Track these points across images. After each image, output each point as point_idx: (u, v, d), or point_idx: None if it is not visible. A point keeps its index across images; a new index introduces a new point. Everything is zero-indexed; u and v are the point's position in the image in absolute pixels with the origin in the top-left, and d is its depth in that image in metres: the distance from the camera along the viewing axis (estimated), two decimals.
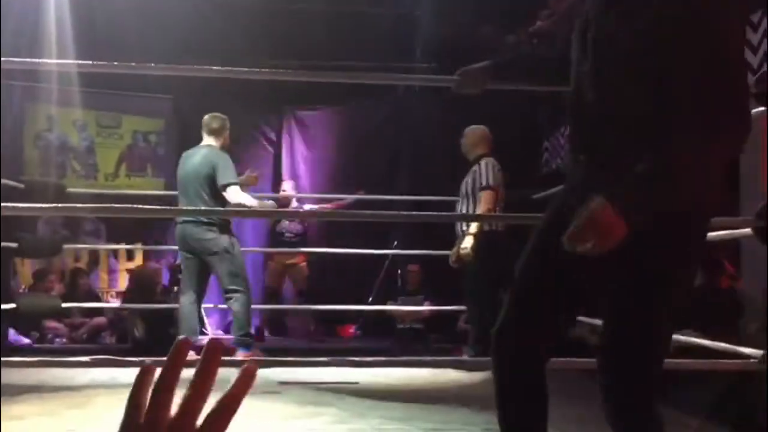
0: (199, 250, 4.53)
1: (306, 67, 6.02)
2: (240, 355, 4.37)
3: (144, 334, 5.76)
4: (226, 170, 4.48)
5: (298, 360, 4.06)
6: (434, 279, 6.62)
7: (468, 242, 4.43)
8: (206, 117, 4.72)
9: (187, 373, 0.59)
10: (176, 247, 5.73)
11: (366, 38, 7.37)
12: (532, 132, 7.10)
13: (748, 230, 2.68)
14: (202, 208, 4.50)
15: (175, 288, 6.45)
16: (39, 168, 7.01)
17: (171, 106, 7.53)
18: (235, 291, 4.52)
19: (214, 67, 3.14)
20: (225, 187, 4.45)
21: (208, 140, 4.67)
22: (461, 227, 4.52)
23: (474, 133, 4.69)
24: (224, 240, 4.52)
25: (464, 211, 4.62)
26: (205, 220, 4.51)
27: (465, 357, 4.50)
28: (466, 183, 4.60)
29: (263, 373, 4.36)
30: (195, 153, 4.66)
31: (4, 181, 4.90)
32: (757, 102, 2.56)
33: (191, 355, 0.60)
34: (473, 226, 4.48)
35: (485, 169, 4.50)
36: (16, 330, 5.76)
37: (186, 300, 4.62)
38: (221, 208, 4.51)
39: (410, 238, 6.53)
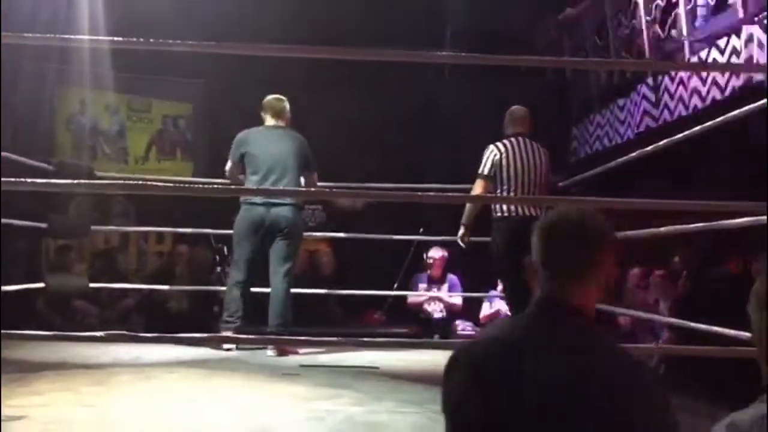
0: (285, 233, 4.53)
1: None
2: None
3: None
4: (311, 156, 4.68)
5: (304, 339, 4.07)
6: (460, 265, 6.60)
7: (459, 232, 4.44)
8: (271, 99, 4.76)
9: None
10: (205, 231, 5.83)
11: (396, 24, 7.33)
12: (560, 119, 7.02)
13: None
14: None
15: (218, 269, 6.61)
16: (70, 151, 7.12)
17: (200, 90, 7.59)
18: (283, 274, 4.59)
19: (243, 44, 3.15)
20: (314, 172, 4.68)
21: (276, 122, 4.70)
22: (494, 212, 4.44)
23: (506, 113, 4.59)
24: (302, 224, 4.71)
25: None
26: (296, 202, 4.58)
27: None
28: None
29: (284, 356, 4.41)
30: (278, 134, 4.65)
31: (34, 162, 5.00)
32: None
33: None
34: (464, 216, 4.42)
35: (484, 155, 4.41)
36: (45, 311, 5.86)
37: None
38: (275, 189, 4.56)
39: (439, 223, 6.49)
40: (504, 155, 4.33)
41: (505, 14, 7.55)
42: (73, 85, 7.13)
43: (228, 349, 4.49)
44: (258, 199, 4.52)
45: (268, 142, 4.60)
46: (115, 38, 3.90)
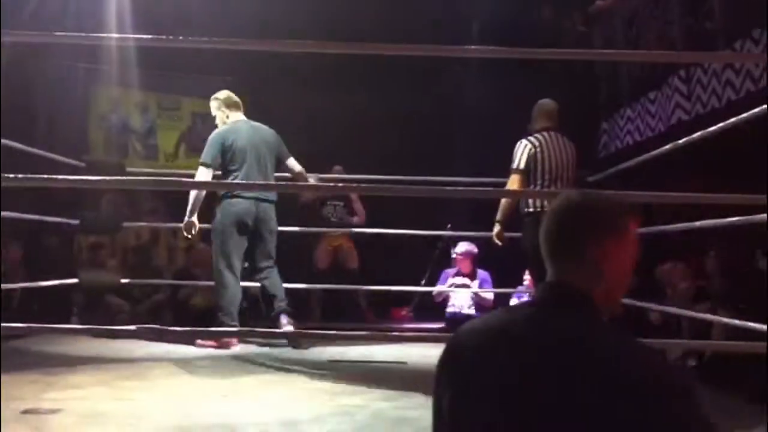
0: (262, 227, 4.58)
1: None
2: (285, 322, 4.43)
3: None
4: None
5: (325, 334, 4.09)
6: (488, 262, 6.57)
7: (495, 228, 4.38)
8: (228, 95, 4.79)
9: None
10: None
11: (421, 20, 7.32)
12: (590, 113, 6.94)
13: None
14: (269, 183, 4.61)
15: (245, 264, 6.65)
16: (103, 148, 7.23)
17: (229, 87, 7.62)
18: (272, 266, 4.63)
19: (271, 40, 3.16)
20: (288, 159, 4.70)
21: (241, 115, 4.74)
22: (522, 208, 4.38)
23: (535, 107, 4.51)
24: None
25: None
26: (273, 198, 4.59)
27: None
28: None
29: (313, 351, 4.44)
30: (253, 126, 4.69)
31: (68, 160, 5.10)
32: None
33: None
34: (498, 212, 4.36)
35: (516, 150, 4.31)
36: (79, 306, 5.97)
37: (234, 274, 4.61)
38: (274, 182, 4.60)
39: (466, 220, 6.46)
40: (539, 150, 4.26)
41: (534, 7, 7.51)
42: (105, 84, 7.24)
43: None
44: (247, 194, 4.54)
45: (246, 133, 4.61)
46: (143, 36, 3.94)
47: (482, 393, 1.15)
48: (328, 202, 6.71)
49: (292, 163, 4.77)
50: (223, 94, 4.82)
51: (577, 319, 1.16)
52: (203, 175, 4.48)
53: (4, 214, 4.13)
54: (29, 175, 2.89)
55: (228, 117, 4.72)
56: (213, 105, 4.81)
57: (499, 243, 4.42)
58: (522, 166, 4.25)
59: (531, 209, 4.26)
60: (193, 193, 4.55)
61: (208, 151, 4.53)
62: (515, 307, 1.31)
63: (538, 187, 4.25)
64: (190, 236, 4.67)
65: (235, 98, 4.78)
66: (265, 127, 4.75)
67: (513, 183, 4.27)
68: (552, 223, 1.26)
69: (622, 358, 1.09)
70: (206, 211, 4.74)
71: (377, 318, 6.70)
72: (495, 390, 1.13)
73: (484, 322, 1.24)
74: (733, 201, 3.13)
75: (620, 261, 1.22)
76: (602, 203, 1.25)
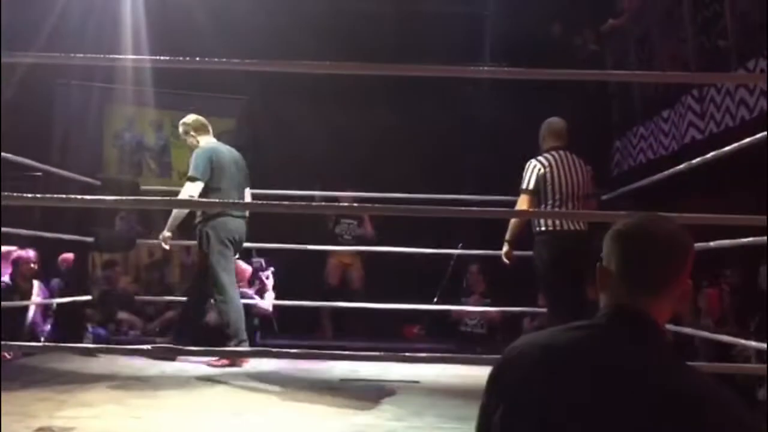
0: (241, 247, 4.66)
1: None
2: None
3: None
4: None
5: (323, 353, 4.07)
6: (499, 281, 6.55)
7: (504, 248, 4.35)
8: (196, 118, 4.75)
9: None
10: (251, 245, 5.87)
11: (435, 39, 7.36)
12: (603, 132, 6.93)
13: None
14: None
15: (256, 282, 6.70)
16: (117, 166, 7.30)
17: (242, 106, 7.73)
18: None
19: (285, 61, 3.19)
20: (247, 186, 4.71)
21: (212, 138, 4.74)
22: (535, 227, 4.36)
23: (543, 126, 4.48)
24: None
25: None
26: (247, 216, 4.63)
27: None
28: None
29: (325, 369, 4.43)
30: (228, 148, 4.72)
31: (83, 178, 5.15)
32: None
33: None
34: (508, 232, 4.33)
35: (525, 170, 4.27)
36: (92, 323, 5.98)
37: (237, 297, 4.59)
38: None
39: (476, 238, 6.46)
40: (548, 170, 4.22)
41: (546, 27, 7.53)
42: (119, 103, 7.32)
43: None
44: (236, 212, 4.56)
45: (224, 154, 4.63)
46: (155, 57, 4.00)
47: (539, 410, 1.14)
48: (342, 221, 6.81)
49: (248, 192, 4.75)
50: (191, 118, 4.76)
51: (648, 348, 1.17)
52: (195, 189, 4.45)
53: (18, 231, 4.17)
54: (30, 194, 2.89)
55: (198, 141, 4.68)
56: (181, 130, 4.77)
57: (507, 262, 4.40)
58: (531, 186, 4.22)
59: (543, 228, 4.22)
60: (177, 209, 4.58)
61: (199, 166, 4.50)
62: (578, 327, 1.26)
63: (548, 207, 4.23)
64: (167, 248, 4.74)
65: (204, 121, 4.75)
66: (235, 150, 4.76)
67: (522, 203, 4.25)
68: (635, 250, 1.24)
69: (694, 392, 1.10)
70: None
71: (387, 336, 6.68)
72: (557, 409, 1.12)
73: (542, 339, 1.24)
74: (733, 222, 3.09)
75: (686, 285, 1.25)
76: (682, 234, 1.26)
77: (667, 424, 1.05)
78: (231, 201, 4.49)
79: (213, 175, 4.50)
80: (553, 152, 4.31)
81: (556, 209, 4.22)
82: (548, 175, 4.22)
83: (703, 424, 1.06)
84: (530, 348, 1.23)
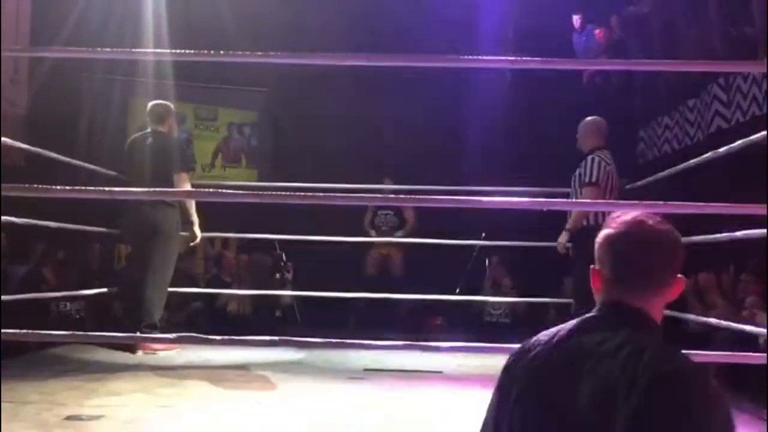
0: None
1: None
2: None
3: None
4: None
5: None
6: (524, 272, 6.52)
7: (562, 237, 4.38)
8: (150, 104, 4.83)
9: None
10: (272, 236, 5.91)
11: (456, 29, 7.34)
12: (627, 121, 6.87)
13: None
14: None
15: (278, 275, 6.80)
16: None
17: (264, 98, 7.76)
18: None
19: (306, 54, 3.19)
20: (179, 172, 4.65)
21: (154, 126, 4.78)
22: (588, 221, 4.38)
23: (585, 125, 4.54)
24: None
25: None
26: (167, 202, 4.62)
27: None
28: (574, 177, 4.49)
29: (348, 359, 4.46)
30: (144, 138, 4.77)
31: (107, 171, 5.20)
32: None
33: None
34: (569, 221, 4.37)
35: (590, 164, 4.36)
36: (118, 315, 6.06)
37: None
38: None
39: (502, 230, 6.43)
40: (611, 167, 4.37)
41: (568, 16, 7.46)
42: (143, 96, 7.37)
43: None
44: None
45: (138, 145, 4.72)
46: (172, 50, 3.99)
47: (553, 405, 1.19)
48: (380, 212, 6.83)
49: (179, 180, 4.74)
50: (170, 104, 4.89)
51: (650, 343, 1.20)
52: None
53: (47, 223, 4.23)
54: (27, 185, 2.90)
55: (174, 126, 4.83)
56: (169, 115, 4.87)
57: (561, 251, 4.41)
58: (600, 180, 4.32)
59: (592, 223, 4.27)
60: (194, 203, 4.65)
61: (189, 158, 4.59)
62: (583, 326, 1.29)
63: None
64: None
65: (152, 108, 4.84)
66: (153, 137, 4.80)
67: (591, 196, 4.29)
68: (620, 254, 1.28)
69: (682, 371, 1.15)
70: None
71: (412, 327, 6.68)
72: (568, 405, 1.16)
73: (554, 337, 1.28)
74: (734, 211, 3.04)
75: (677, 281, 1.29)
76: (667, 232, 1.28)
77: (658, 402, 1.10)
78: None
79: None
80: (606, 151, 4.43)
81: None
82: (612, 172, 4.37)
83: (688, 403, 1.10)
84: (542, 347, 1.27)
